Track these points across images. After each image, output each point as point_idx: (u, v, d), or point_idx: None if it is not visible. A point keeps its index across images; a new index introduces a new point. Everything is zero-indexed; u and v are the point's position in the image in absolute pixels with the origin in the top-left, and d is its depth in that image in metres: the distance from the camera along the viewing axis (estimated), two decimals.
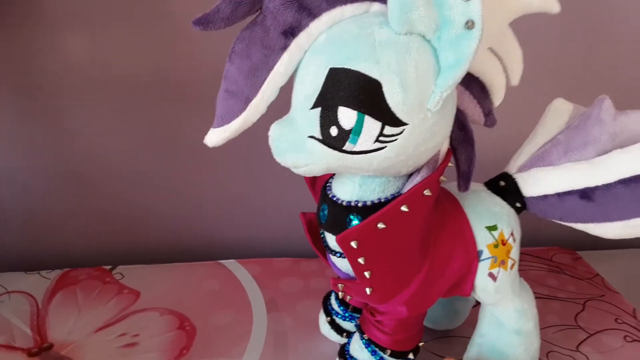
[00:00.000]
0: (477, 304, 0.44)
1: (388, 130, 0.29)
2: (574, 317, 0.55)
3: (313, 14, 0.30)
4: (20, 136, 0.57)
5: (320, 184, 0.40)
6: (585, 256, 0.67)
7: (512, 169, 0.42)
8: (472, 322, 0.46)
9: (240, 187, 0.64)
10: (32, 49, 0.53)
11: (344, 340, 0.46)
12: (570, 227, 0.41)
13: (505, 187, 0.41)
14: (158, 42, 0.55)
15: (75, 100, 0.56)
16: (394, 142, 0.30)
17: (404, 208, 0.33)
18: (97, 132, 0.58)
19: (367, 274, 0.34)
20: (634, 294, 0.59)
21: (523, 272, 0.61)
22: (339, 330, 0.47)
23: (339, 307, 0.47)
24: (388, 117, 0.29)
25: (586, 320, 0.54)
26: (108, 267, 0.58)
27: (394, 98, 0.28)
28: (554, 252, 0.67)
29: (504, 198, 0.41)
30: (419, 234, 0.35)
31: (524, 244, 0.66)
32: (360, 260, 0.34)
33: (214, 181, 0.63)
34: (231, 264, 0.60)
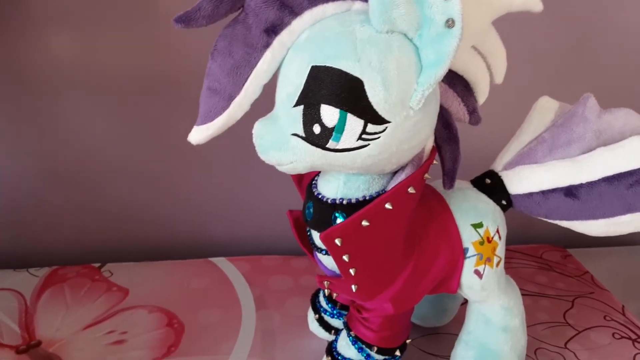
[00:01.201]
0: (466, 301, 0.44)
1: (371, 128, 0.29)
2: (563, 314, 0.55)
3: (295, 12, 0.30)
4: (8, 135, 0.57)
5: (307, 182, 0.40)
6: (575, 254, 0.67)
7: (498, 166, 0.42)
8: (460, 319, 0.46)
9: (230, 184, 0.64)
10: (20, 49, 0.53)
11: (332, 337, 0.46)
12: (560, 225, 0.41)
13: (491, 185, 0.41)
14: (147, 40, 0.55)
15: (64, 98, 0.56)
16: (377, 139, 0.30)
17: (388, 205, 0.33)
18: (85, 130, 0.58)
19: (352, 271, 0.35)
20: (622, 292, 0.60)
21: (513, 269, 0.62)
22: (327, 327, 0.47)
23: (327, 304, 0.47)
24: (370, 115, 0.29)
25: (575, 318, 0.54)
26: (97, 265, 0.58)
27: (375, 96, 0.28)
28: (544, 250, 0.68)
29: (490, 196, 0.41)
30: (403, 231, 0.35)
31: (514, 241, 0.66)
32: (345, 258, 0.34)
33: (203, 179, 0.63)
34: (221, 261, 0.60)
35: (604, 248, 0.70)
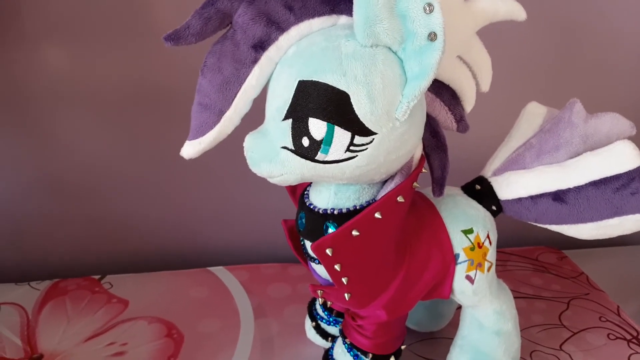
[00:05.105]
0: (461, 306, 0.45)
1: (358, 139, 0.30)
2: (559, 316, 0.55)
3: (282, 28, 0.31)
4: (5, 149, 0.58)
5: (301, 192, 0.40)
6: (571, 255, 0.68)
7: (487, 172, 0.43)
8: (456, 323, 0.46)
9: (227, 194, 0.65)
10: (16, 63, 0.54)
11: (329, 344, 0.47)
12: (551, 230, 0.42)
13: (481, 191, 0.42)
14: (142, 54, 0.56)
15: (61, 112, 0.57)
16: (365, 151, 0.30)
17: (377, 215, 0.33)
18: (82, 142, 0.59)
19: (344, 280, 0.35)
20: (618, 292, 0.60)
21: (509, 272, 0.62)
22: (324, 334, 0.48)
23: (323, 312, 0.48)
24: (357, 127, 0.29)
25: (570, 319, 0.55)
26: (97, 277, 0.58)
27: (361, 109, 0.29)
28: (540, 252, 0.68)
29: (480, 201, 0.42)
30: (394, 240, 0.36)
31: (510, 244, 0.67)
32: (337, 267, 0.34)
33: (200, 189, 0.64)
34: (219, 270, 0.61)
35: (599, 249, 0.70)
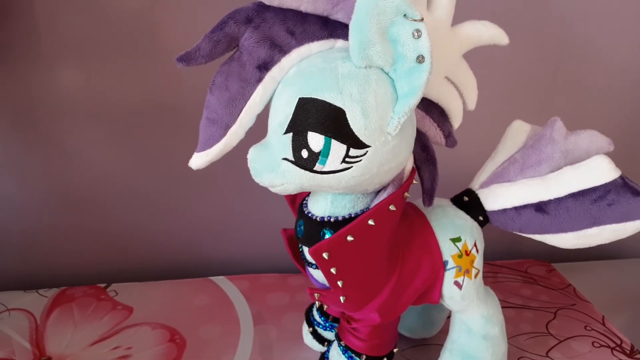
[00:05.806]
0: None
1: (353, 152, 0.33)
2: (546, 325, 0.58)
3: (284, 51, 0.34)
4: (19, 162, 0.60)
5: (299, 202, 0.43)
6: (560, 268, 0.70)
7: (475, 185, 0.45)
8: (447, 330, 0.48)
9: (229, 207, 0.67)
10: (30, 81, 0.57)
11: (325, 349, 0.49)
12: (535, 239, 0.44)
13: (469, 202, 0.45)
14: (149, 73, 0.59)
15: (72, 127, 0.59)
16: (359, 162, 0.33)
17: (370, 222, 0.36)
18: (91, 157, 0.61)
19: (339, 283, 0.38)
20: (604, 303, 0.62)
21: (499, 283, 0.65)
22: (320, 339, 0.50)
23: (320, 317, 0.50)
24: (352, 141, 0.32)
25: (557, 328, 0.57)
26: (103, 285, 0.61)
27: (356, 124, 0.32)
28: (530, 265, 0.71)
29: (468, 212, 0.44)
30: (387, 246, 0.38)
31: (502, 257, 0.69)
32: (333, 271, 0.37)
33: (203, 203, 0.66)
34: (220, 280, 0.63)
35: (587, 262, 0.73)
